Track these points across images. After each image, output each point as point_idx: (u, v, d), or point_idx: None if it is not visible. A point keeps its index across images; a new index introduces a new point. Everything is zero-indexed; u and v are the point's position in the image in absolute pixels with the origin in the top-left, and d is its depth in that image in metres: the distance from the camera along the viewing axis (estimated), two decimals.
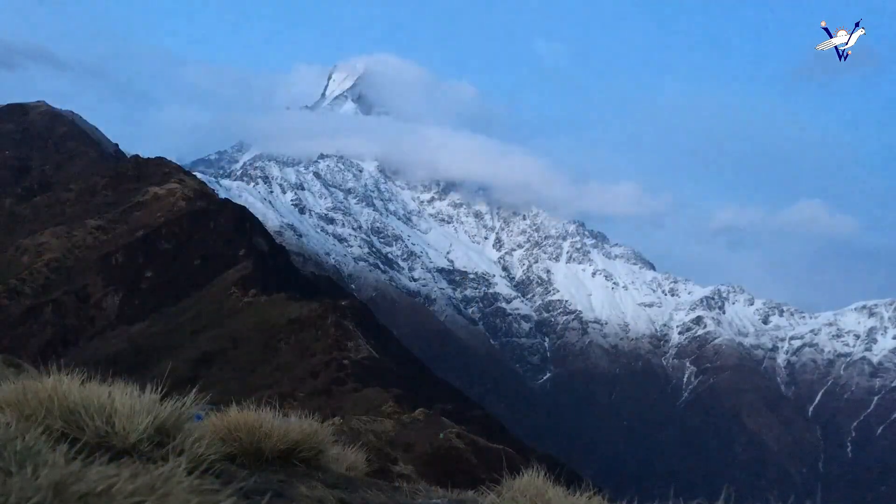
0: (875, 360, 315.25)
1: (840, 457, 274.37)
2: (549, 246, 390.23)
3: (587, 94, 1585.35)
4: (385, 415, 46.84)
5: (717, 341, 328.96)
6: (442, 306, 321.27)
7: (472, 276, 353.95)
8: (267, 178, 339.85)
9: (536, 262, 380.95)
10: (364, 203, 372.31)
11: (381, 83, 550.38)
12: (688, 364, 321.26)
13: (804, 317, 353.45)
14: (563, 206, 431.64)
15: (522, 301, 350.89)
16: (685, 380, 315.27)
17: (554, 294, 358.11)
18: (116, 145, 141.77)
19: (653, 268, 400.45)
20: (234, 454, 4.91)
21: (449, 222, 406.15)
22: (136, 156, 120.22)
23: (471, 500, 5.17)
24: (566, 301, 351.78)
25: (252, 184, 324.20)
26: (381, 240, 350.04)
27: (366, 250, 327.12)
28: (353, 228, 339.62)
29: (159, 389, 4.66)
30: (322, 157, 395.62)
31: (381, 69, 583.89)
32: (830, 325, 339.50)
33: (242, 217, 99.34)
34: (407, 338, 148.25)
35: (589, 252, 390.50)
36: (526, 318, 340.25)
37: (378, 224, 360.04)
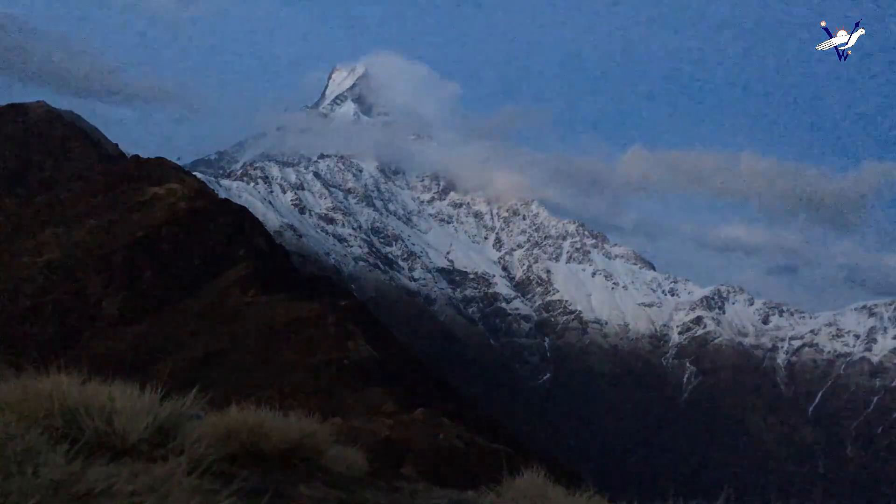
0: (875, 360, 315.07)
1: (840, 457, 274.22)
2: (549, 246, 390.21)
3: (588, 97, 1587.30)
4: (385, 415, 46.78)
5: (717, 341, 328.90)
6: (442, 306, 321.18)
7: (472, 276, 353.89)
8: (267, 178, 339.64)
9: (536, 262, 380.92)
10: (364, 203, 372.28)
11: (381, 83, 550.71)
12: (688, 364, 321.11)
13: (804, 317, 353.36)
14: (565, 206, 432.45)
15: (522, 301, 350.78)
16: (685, 380, 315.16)
17: (554, 294, 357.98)
18: (116, 145, 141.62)
19: (653, 268, 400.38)
20: (234, 454, 4.91)
21: (449, 222, 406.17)
22: (136, 156, 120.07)
23: (471, 500, 5.16)
24: (566, 301, 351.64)
25: (252, 184, 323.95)
26: (381, 240, 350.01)
27: (366, 250, 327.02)
28: (353, 228, 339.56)
29: (159, 389, 4.66)
30: (322, 157, 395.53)
31: (382, 69, 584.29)
32: (830, 325, 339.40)
33: (242, 217, 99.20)
34: (407, 338, 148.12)
35: (589, 252, 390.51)
36: (526, 318, 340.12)
37: (378, 224, 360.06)
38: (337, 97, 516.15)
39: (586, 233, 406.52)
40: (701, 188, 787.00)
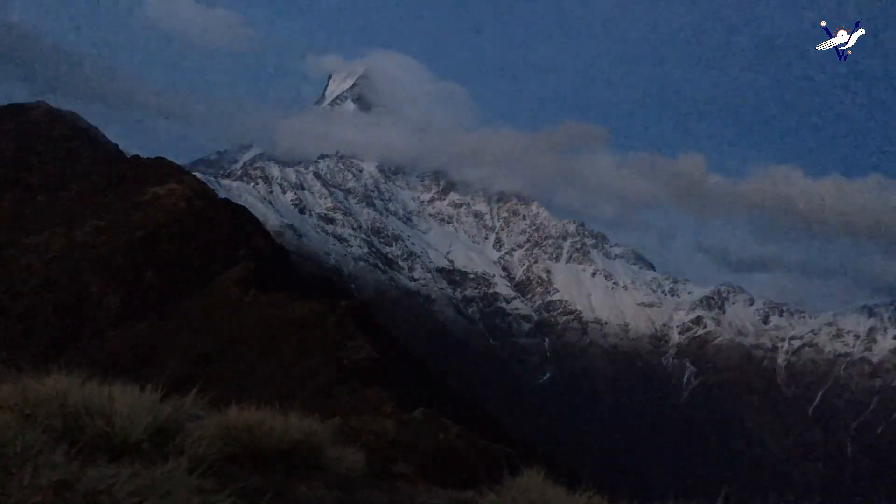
0: (875, 360, 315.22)
1: (840, 457, 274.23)
2: (549, 246, 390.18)
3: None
4: (385, 415, 46.73)
5: (717, 341, 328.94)
6: (442, 306, 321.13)
7: (472, 276, 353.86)
8: (267, 178, 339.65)
9: (536, 262, 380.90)
10: (364, 203, 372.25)
11: (381, 83, 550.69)
12: (688, 364, 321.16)
13: (804, 317, 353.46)
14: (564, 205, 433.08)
15: (522, 301, 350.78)
16: (685, 380, 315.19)
17: (554, 294, 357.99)
18: (116, 145, 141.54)
19: (653, 268, 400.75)
20: (234, 454, 4.91)
21: (449, 222, 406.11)
22: (136, 156, 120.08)
23: (471, 500, 5.17)
24: (566, 301, 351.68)
25: (252, 184, 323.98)
26: (381, 240, 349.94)
27: (366, 250, 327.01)
28: (353, 228, 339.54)
29: (159, 389, 4.66)
30: (322, 157, 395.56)
31: (382, 69, 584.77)
32: (830, 325, 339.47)
33: (242, 217, 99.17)
34: (407, 338, 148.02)
35: (589, 252, 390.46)
36: (526, 318, 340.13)
37: (378, 224, 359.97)
38: (337, 97, 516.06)
39: (586, 233, 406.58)
40: (705, 197, 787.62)
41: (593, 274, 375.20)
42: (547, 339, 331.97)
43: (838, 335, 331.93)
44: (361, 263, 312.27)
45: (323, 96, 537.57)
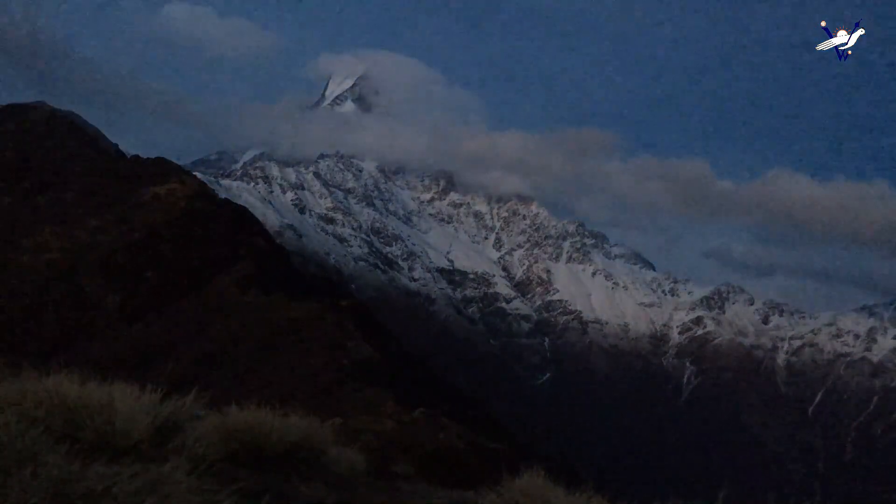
0: (875, 360, 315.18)
1: (840, 457, 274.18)
2: (549, 246, 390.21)
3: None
4: (385, 415, 46.68)
5: (717, 341, 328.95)
6: (442, 306, 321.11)
7: (472, 276, 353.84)
8: (267, 178, 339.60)
9: (536, 262, 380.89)
10: (364, 203, 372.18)
11: (381, 83, 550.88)
12: (688, 364, 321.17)
13: (804, 317, 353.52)
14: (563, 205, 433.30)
15: (522, 301, 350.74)
16: (685, 380, 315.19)
17: (554, 294, 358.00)
18: (116, 145, 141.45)
19: (653, 268, 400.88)
20: (234, 454, 4.90)
21: (449, 222, 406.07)
22: (136, 156, 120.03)
23: (471, 500, 5.16)
24: (566, 301, 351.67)
25: (252, 184, 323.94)
26: (381, 240, 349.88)
27: (366, 250, 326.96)
28: (353, 228, 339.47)
29: (159, 389, 4.66)
30: (322, 157, 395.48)
31: (382, 68, 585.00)
32: (830, 325, 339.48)
33: (242, 217, 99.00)
34: (407, 338, 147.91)
35: (589, 252, 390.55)
36: (526, 318, 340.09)
37: (378, 224, 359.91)
38: (337, 97, 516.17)
39: (586, 233, 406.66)
40: (710, 201, 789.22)
41: (593, 274, 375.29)
42: (547, 339, 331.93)
43: (838, 335, 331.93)
44: (361, 263, 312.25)
45: (323, 96, 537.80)
